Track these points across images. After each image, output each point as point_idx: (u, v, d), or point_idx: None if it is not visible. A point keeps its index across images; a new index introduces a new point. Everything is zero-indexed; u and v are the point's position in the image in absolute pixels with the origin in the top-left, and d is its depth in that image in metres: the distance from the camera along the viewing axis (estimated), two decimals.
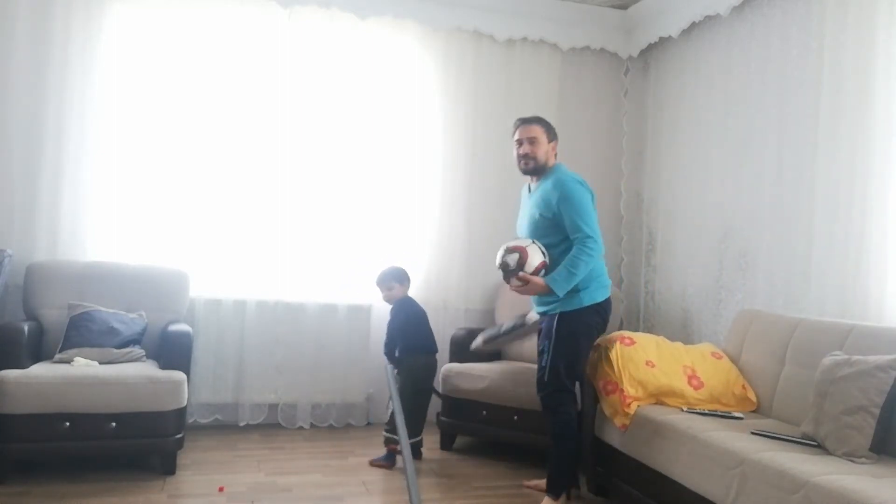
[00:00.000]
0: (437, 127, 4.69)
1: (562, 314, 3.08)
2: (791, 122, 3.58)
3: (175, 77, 4.25)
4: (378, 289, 3.99)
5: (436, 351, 3.93)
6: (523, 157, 3.23)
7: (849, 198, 3.17)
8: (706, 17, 4.21)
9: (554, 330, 3.08)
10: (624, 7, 4.85)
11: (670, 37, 4.56)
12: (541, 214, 3.15)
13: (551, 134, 3.28)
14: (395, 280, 3.94)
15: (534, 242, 3.09)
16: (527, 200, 3.32)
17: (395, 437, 3.59)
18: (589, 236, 3.03)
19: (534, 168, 3.23)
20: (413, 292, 4.57)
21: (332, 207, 4.50)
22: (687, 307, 4.38)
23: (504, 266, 3.07)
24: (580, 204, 3.09)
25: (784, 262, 3.58)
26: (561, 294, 3.02)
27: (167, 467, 3.41)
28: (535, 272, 3.04)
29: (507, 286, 3.18)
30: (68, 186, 4.05)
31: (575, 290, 3.06)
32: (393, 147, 4.62)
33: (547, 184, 3.18)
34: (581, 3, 4.82)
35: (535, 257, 3.04)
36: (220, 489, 3.25)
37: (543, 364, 3.10)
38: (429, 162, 4.68)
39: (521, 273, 3.02)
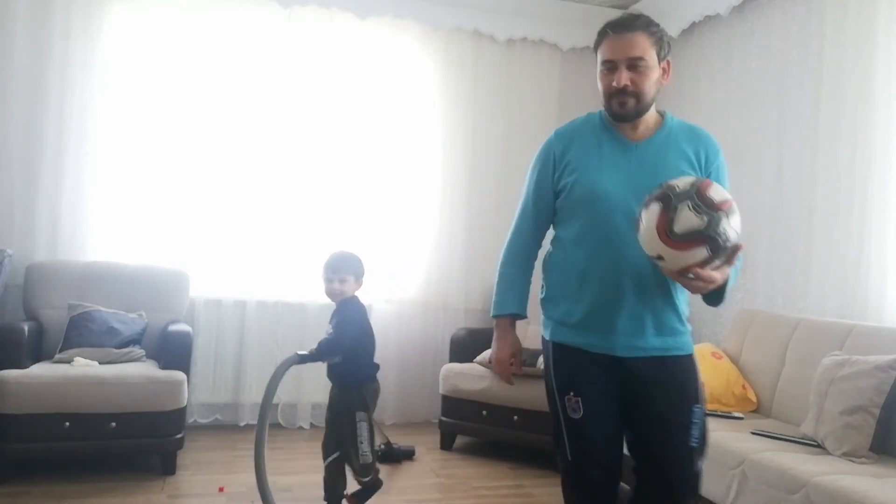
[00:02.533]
0: (437, 127, 4.69)
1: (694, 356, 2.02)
2: (791, 122, 3.58)
3: (175, 77, 4.25)
4: (325, 276, 2.88)
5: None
6: (620, 94, 1.85)
7: (849, 198, 3.17)
8: (706, 17, 4.21)
9: (699, 383, 2.01)
10: (624, 7, 4.84)
11: (670, 37, 4.55)
12: None
13: (664, 48, 1.90)
14: (353, 273, 2.89)
15: None
16: (618, 156, 1.91)
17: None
18: None
19: (635, 110, 1.87)
20: (413, 292, 4.60)
21: (332, 207, 4.50)
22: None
23: (727, 243, 1.78)
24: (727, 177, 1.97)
25: (784, 262, 3.58)
26: (718, 304, 1.98)
27: (167, 467, 3.41)
28: None
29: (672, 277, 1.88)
30: (68, 186, 4.05)
31: (685, 324, 2.09)
32: (393, 147, 4.62)
33: (674, 133, 1.93)
34: (581, 3, 4.82)
35: None
36: (220, 489, 3.25)
37: (693, 443, 1.87)
38: (429, 162, 4.67)
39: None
